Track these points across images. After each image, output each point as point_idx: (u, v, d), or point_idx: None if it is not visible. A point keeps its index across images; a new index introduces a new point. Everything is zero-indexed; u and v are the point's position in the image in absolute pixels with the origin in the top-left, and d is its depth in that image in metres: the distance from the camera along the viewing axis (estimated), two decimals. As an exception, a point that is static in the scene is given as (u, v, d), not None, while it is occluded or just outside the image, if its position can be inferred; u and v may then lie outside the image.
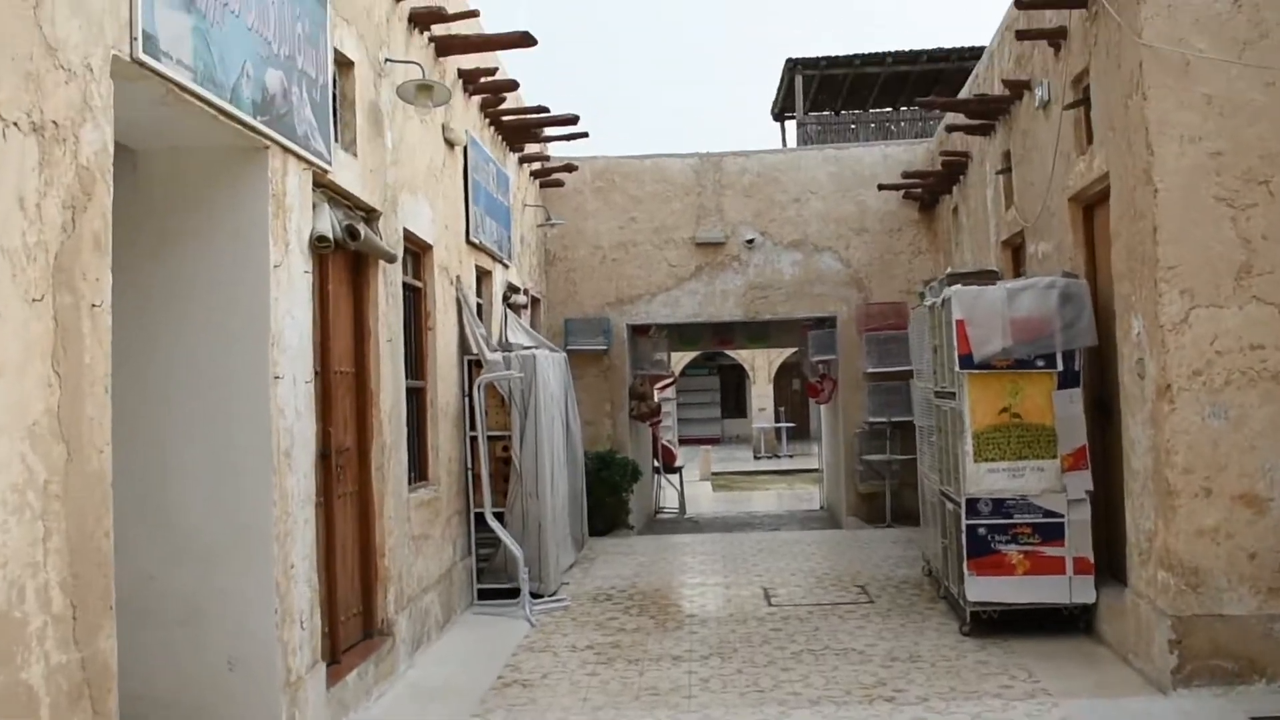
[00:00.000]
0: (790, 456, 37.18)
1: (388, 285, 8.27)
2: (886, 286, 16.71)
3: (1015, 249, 11.83)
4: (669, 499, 21.48)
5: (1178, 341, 7.02)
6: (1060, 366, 8.54)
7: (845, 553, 13.10)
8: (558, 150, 16.37)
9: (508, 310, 12.92)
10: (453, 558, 10.07)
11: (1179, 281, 7.03)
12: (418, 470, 9.55)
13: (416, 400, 9.57)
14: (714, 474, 30.55)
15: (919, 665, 7.97)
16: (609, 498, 15.47)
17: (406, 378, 9.10)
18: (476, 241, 11.36)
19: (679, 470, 21.30)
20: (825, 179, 16.92)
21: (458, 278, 10.59)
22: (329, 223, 6.86)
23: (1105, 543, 8.64)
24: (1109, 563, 8.63)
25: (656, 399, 21.41)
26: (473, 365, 10.76)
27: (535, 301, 15.77)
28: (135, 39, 4.50)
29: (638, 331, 17.69)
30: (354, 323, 7.94)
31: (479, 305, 12.08)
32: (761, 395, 41.96)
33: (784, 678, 7.82)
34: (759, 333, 20.58)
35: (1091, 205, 8.99)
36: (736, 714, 7.08)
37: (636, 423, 17.69)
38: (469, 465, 10.59)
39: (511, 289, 13.40)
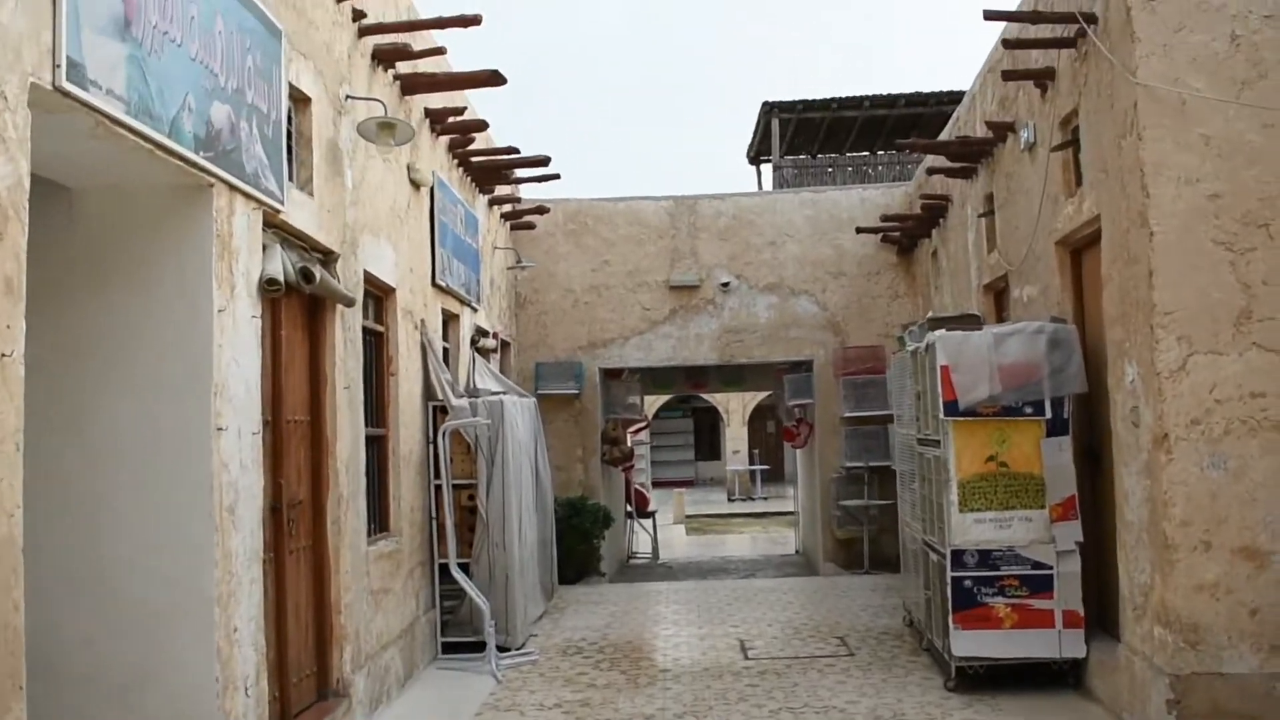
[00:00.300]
0: (764, 499, 36.85)
1: (346, 330, 7.90)
2: (864, 330, 16.42)
3: (998, 293, 11.56)
4: (642, 544, 21.07)
5: (1175, 389, 6.72)
6: (1049, 414, 8.23)
7: (823, 601, 12.72)
8: (529, 192, 16.09)
9: (475, 354, 12.56)
10: (415, 611, 9.66)
11: (1176, 328, 6.74)
12: (378, 521, 9.15)
13: (377, 448, 9.19)
14: (688, 517, 30.16)
15: (903, 727, 7.61)
16: (580, 545, 15.06)
17: (367, 425, 8.73)
18: (443, 284, 11.01)
19: (652, 515, 20.91)
20: (802, 222, 16.66)
21: (422, 321, 10.23)
22: (281, 265, 6.49)
23: (1095, 595, 8.31)
24: (1099, 615, 8.29)
25: (630, 443, 21.05)
26: (438, 411, 10.38)
27: (505, 345, 15.40)
28: (58, 66, 4.15)
29: (610, 375, 17.34)
30: (309, 369, 7.56)
31: (445, 349, 11.72)
32: (735, 437, 41.62)
33: (762, 741, 7.44)
34: (734, 376, 20.29)
35: (1080, 249, 8.72)
36: (712, 782, 6.70)
37: (609, 468, 17.31)
38: (433, 515, 10.19)
39: (480, 333, 13.04)
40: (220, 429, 5.62)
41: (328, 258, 7.60)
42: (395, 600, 9.00)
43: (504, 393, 11.64)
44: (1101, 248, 7.73)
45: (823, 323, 16.49)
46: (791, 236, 16.62)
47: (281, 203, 6.51)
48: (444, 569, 10.11)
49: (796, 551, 20.77)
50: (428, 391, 10.33)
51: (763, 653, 10.08)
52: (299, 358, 7.39)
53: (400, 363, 9.47)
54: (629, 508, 20.37)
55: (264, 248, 6.43)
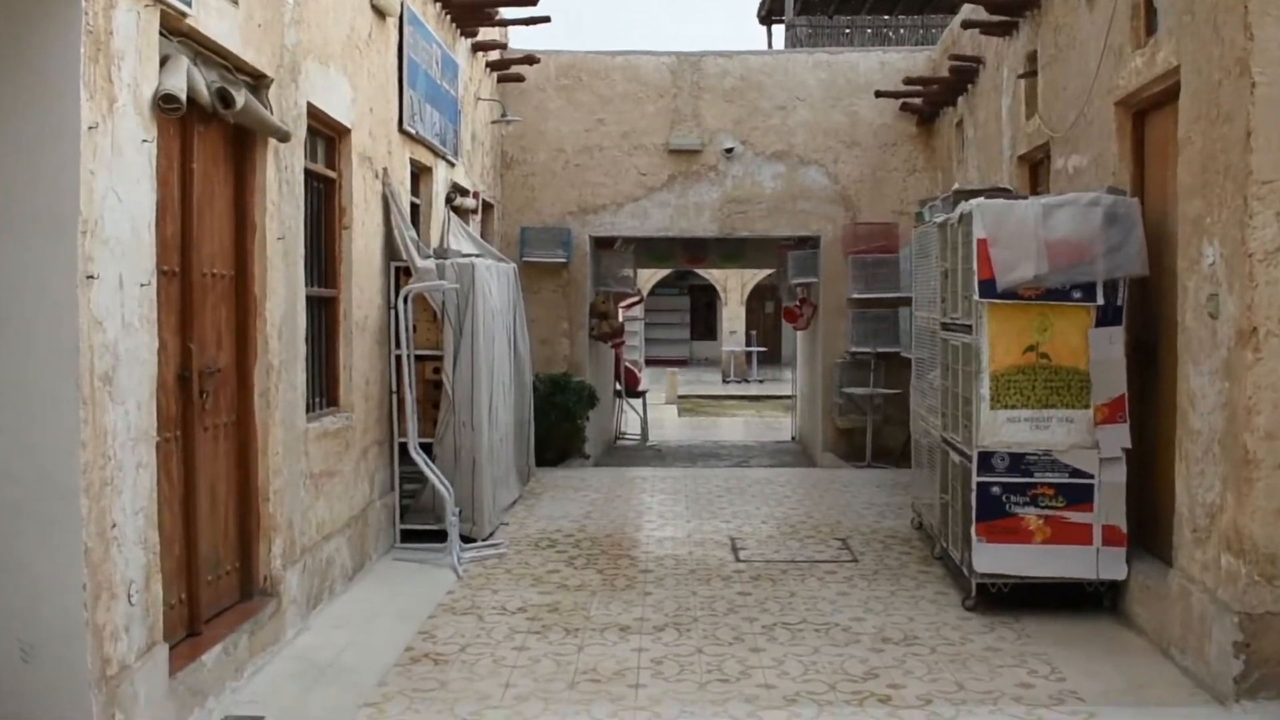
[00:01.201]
0: (760, 382, 35.96)
1: (282, 170, 6.69)
2: (877, 205, 15.20)
3: (1034, 165, 10.34)
4: (631, 424, 20.07)
5: (1270, 274, 5.55)
6: (1100, 299, 7.07)
7: (822, 496, 11.70)
8: (518, 40, 14.74)
9: (451, 213, 11.36)
10: (369, 496, 8.60)
11: (1276, 200, 5.55)
12: (325, 395, 8.05)
13: (326, 312, 8.05)
14: (680, 397, 29.22)
15: (916, 650, 6.57)
16: (562, 425, 14.02)
17: (312, 284, 7.59)
18: (412, 131, 9.77)
19: (642, 395, 19.85)
20: (815, 86, 15.33)
21: (385, 170, 9.01)
22: (186, 81, 5.27)
23: (1139, 510, 7.25)
24: (1140, 533, 7.24)
25: (621, 318, 19.95)
26: (401, 273, 9.21)
27: (488, 207, 14.19)
28: None
29: (601, 244, 16.14)
30: (234, 214, 6.37)
31: (415, 205, 10.53)
32: (733, 317, 40.50)
33: (753, 662, 6.40)
34: (734, 251, 19.03)
35: (1144, 110, 7.48)
36: (693, 714, 5.68)
37: (597, 343, 16.20)
38: (394, 389, 9.08)
39: (457, 190, 11.82)
40: (92, 277, 4.46)
41: (258, 82, 6.36)
42: (342, 484, 7.93)
43: (479, 256, 10.47)
44: (1180, 105, 6.50)
45: (833, 196, 15.25)
46: (803, 101, 15.31)
47: (189, 3, 5.26)
48: (405, 449, 9.04)
49: (793, 439, 19.81)
50: (390, 250, 9.16)
51: (756, 554, 9.05)
52: (220, 200, 6.19)
53: (356, 215, 8.28)
54: (618, 386, 19.33)
55: (165, 59, 5.21)
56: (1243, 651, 5.57)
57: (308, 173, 7.51)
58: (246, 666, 6.05)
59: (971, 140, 12.63)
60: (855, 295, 14.78)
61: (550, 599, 7.69)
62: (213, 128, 6.00)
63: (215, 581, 6.11)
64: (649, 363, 37.86)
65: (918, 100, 14.47)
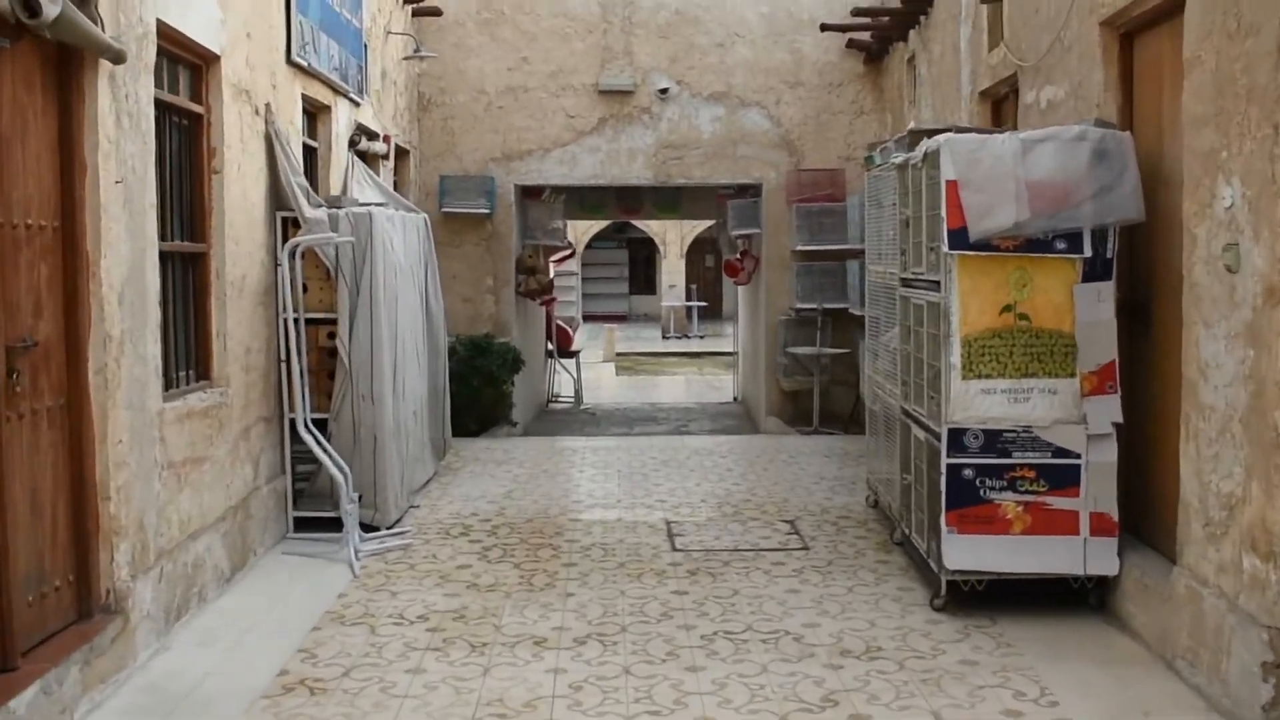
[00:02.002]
0: (701, 337, 35.05)
1: (120, 100, 5.55)
2: (822, 150, 14.20)
3: (998, 101, 9.38)
4: (565, 386, 19.02)
5: (1309, 218, 4.59)
6: (1087, 250, 6.11)
7: (767, 468, 10.73)
8: (436, -30, 13.54)
9: (355, 158, 10.22)
10: (252, 481, 7.52)
11: (1318, 125, 4.58)
12: (197, 367, 6.94)
13: (193, 270, 6.92)
14: (618, 355, 28.23)
15: (881, 667, 5.60)
16: (485, 391, 12.95)
17: (174, 238, 6.47)
18: (304, 63, 8.62)
19: (576, 355, 18.78)
20: (755, 21, 14.25)
21: (268, 106, 7.86)
22: (-37, -24, 4.13)
23: (1129, 495, 6.32)
24: (1132, 523, 6.32)
25: (552, 274, 18.86)
26: (290, 225, 8.08)
27: (403, 153, 13.04)
28: None
29: (528, 194, 15.03)
30: (58, 152, 5.23)
31: (312, 148, 9.40)
32: (672, 271, 39.45)
33: (690, 685, 5.40)
34: (671, 201, 17.95)
35: (1134, 30, 6.50)
36: (617, 757, 4.69)
37: (526, 301, 15.12)
38: (282, 357, 7.97)
39: (364, 132, 10.66)
40: None
41: (82, -10, 5.21)
42: (216, 471, 6.83)
43: (386, 205, 9.36)
44: (1186, 19, 5.50)
45: (775, 140, 14.23)
46: (743, 37, 14.24)
47: (-37, -122, 4.12)
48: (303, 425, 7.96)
49: (735, 399, 18.87)
50: (277, 199, 8.02)
51: (694, 542, 8.06)
52: (38, 134, 5.05)
53: (229, 157, 7.13)
54: (550, 346, 18.26)
55: (-68, -52, 4.07)
56: (1273, 674, 4.65)
57: (164, 106, 6.38)
58: (79, 704, 4.98)
59: (925, 77, 11.63)
60: (800, 247, 13.81)
61: (457, 603, 6.66)
62: (24, 45, 4.86)
63: (39, 602, 5.02)
64: (587, 319, 36.83)
65: (866, 35, 13.45)
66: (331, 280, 8.12)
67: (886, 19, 12.46)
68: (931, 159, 6.44)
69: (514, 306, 14.30)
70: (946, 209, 6.17)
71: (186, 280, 6.83)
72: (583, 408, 17.79)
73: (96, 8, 5.23)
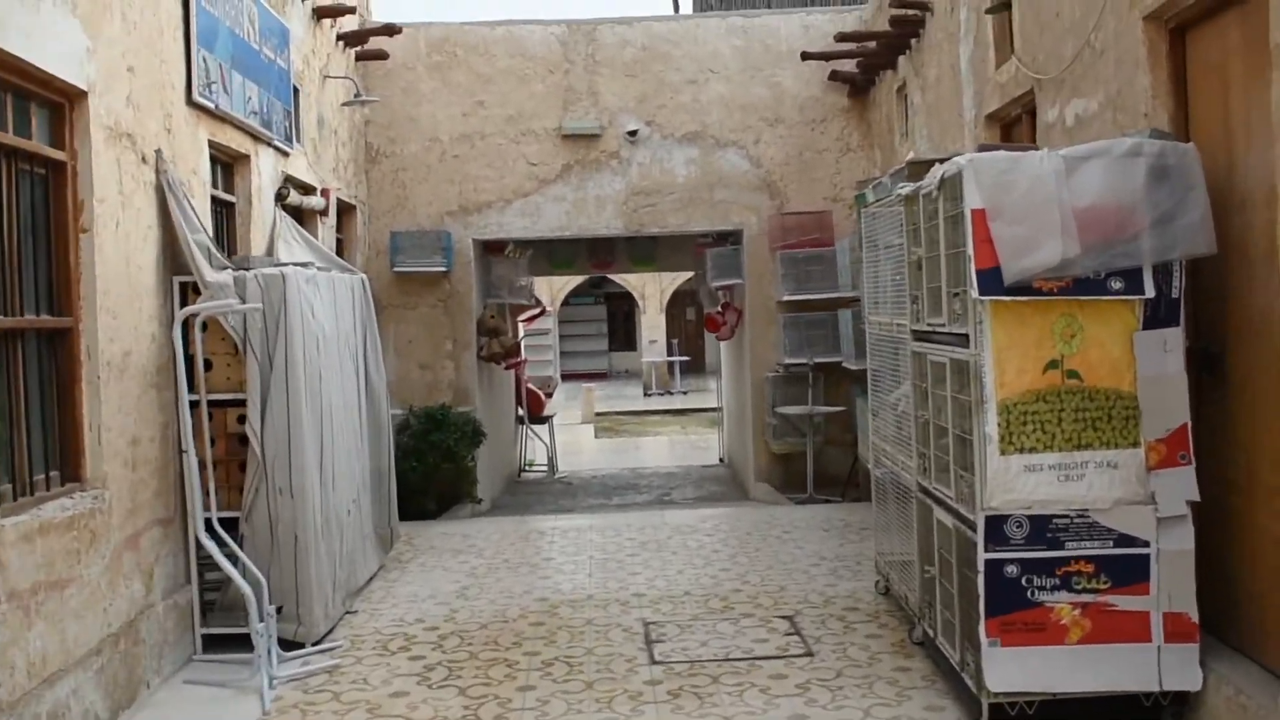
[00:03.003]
0: (684, 393, 33.84)
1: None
2: (807, 192, 13.09)
3: (1008, 125, 8.27)
4: (540, 452, 17.75)
5: None
6: (1150, 290, 4.94)
7: (760, 548, 9.46)
8: (383, 11, 12.44)
9: (283, 215, 9.02)
10: (143, 599, 6.25)
11: None
12: (64, 467, 5.70)
13: (57, 349, 5.70)
14: (598, 415, 27.02)
15: (914, 827, 4.36)
16: (444, 466, 11.68)
17: (29, 311, 5.27)
18: (210, 105, 7.46)
19: (548, 420, 17.53)
20: (730, 55, 13.16)
21: (158, 152, 6.67)
22: None
23: (1206, 589, 5.12)
24: (1211, 622, 5.11)
25: (522, 333, 17.69)
26: (191, 291, 6.87)
27: (348, 208, 11.87)
28: None
29: (490, 249, 13.89)
30: None
31: (229, 204, 8.20)
32: (653, 326, 38.28)
33: None
34: (646, 253, 16.78)
35: (1186, 23, 5.38)
36: None
37: (491, 365, 13.90)
38: (183, 447, 6.72)
39: (293, 185, 9.48)
40: None
41: None
42: (85, 594, 5.57)
43: (323, 267, 8.18)
44: (1270, 2, 4.36)
45: (755, 183, 13.10)
46: (717, 73, 13.14)
47: None
48: (208, 525, 6.69)
49: (721, 460, 17.65)
50: (173, 261, 6.82)
51: (677, 647, 6.79)
52: None
53: (102, 213, 5.92)
54: (520, 412, 17.02)
55: None
56: None
57: (8, 151, 5.18)
58: None
59: (919, 106, 10.52)
60: (786, 297, 12.65)
61: (386, 747, 5.39)
62: None
63: None
64: (566, 377, 35.68)
65: (850, 66, 12.36)
66: (240, 355, 6.89)
67: (873, 44, 11.36)
68: (951, 185, 5.27)
69: (476, 372, 13.08)
70: (974, 245, 4.98)
71: (46, 362, 5.60)
72: (558, 477, 16.53)
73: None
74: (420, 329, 12.85)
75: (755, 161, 13.10)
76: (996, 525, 5.03)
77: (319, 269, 8.12)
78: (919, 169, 6.38)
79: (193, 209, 6.91)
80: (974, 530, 5.12)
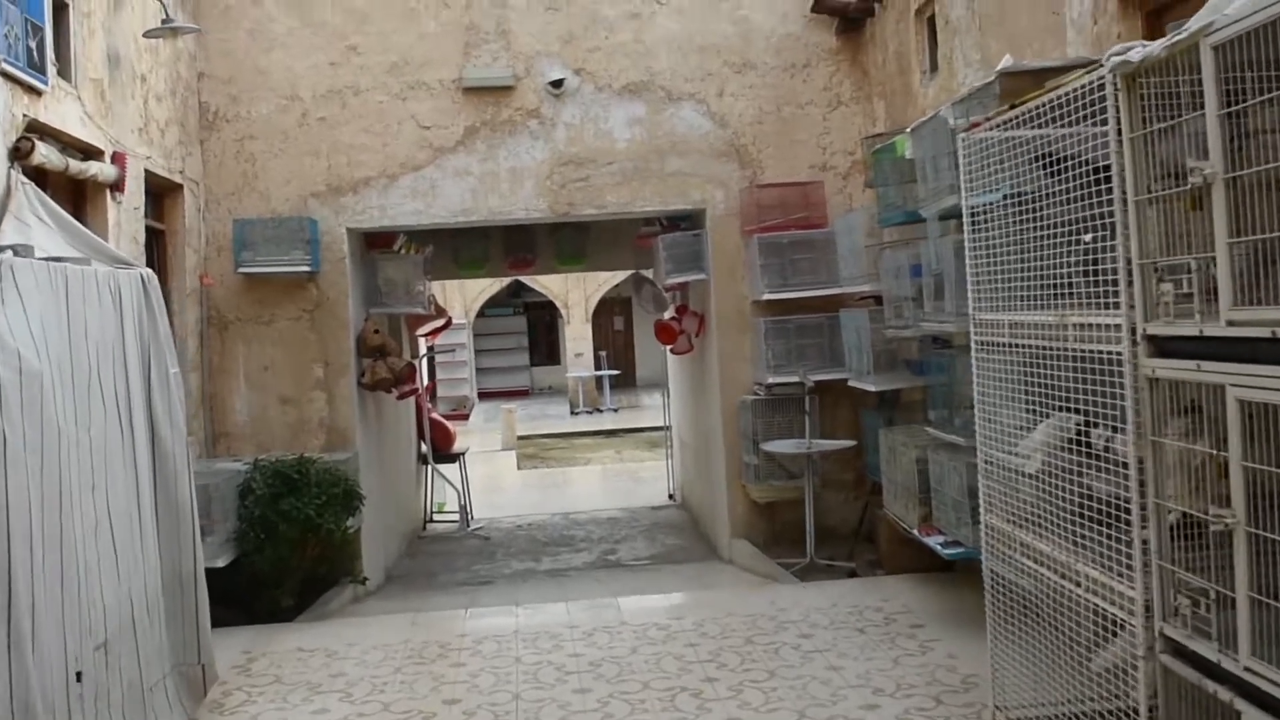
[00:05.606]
0: (615, 410, 30.62)
1: None
2: (788, 158, 10.01)
3: (1160, 10, 5.21)
4: (451, 496, 14.38)
5: None
6: None
7: (772, 670, 6.30)
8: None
9: (23, 180, 5.74)
10: None
11: None
12: None
13: None
14: (520, 439, 23.68)
15: None
16: (304, 546, 8.29)
17: None
18: None
19: (459, 457, 14.17)
20: (680, -18, 10.04)
21: None
22: None
23: None
24: None
25: (423, 349, 14.41)
26: None
27: (173, 188, 8.60)
28: None
29: (373, 242, 10.58)
30: None
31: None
32: (577, 338, 34.97)
33: None
34: (573, 247, 13.46)
35: None
36: None
37: (377, 394, 10.58)
38: None
39: (40, 135, 6.19)
40: None
41: None
42: None
43: (82, 258, 4.93)
44: None
45: (720, 148, 9.98)
46: (665, 4, 10.01)
47: None
48: None
49: (672, 498, 14.44)
50: None
51: None
52: None
53: None
54: (424, 448, 13.70)
55: None
56: None
57: None
58: None
59: (963, 20, 7.47)
60: (767, 296, 9.53)
61: None
62: None
63: None
64: (483, 396, 32.35)
65: (845, -12, 9.32)
66: None
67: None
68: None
69: (357, 405, 9.78)
70: None
71: None
72: (472, 529, 13.18)
73: None
74: (279, 350, 9.56)
75: (719, 120, 9.97)
76: None
77: (74, 262, 4.88)
78: (1016, 83, 4.34)
79: None
80: None
